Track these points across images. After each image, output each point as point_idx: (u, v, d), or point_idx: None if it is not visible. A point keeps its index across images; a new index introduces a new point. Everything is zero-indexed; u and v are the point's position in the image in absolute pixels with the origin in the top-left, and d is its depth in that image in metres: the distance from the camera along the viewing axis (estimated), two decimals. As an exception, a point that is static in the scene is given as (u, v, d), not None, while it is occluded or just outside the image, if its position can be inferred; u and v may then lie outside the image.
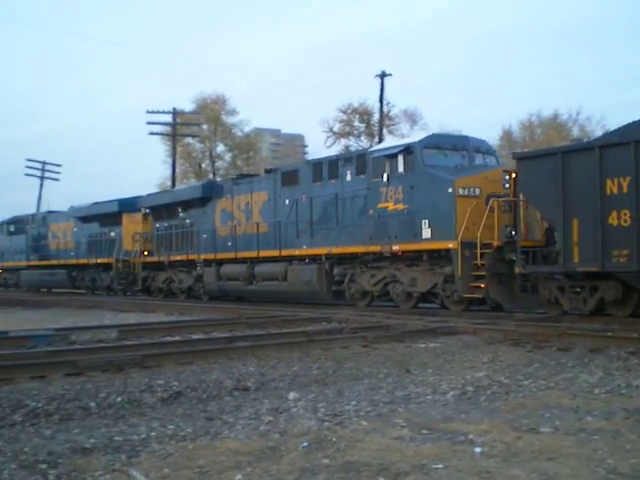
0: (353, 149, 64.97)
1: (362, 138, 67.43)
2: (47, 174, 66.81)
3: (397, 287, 20.35)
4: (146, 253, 31.97)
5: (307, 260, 23.25)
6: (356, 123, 67.00)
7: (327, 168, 22.66)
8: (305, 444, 6.13)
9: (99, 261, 35.61)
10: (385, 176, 20.15)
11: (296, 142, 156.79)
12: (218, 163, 75.27)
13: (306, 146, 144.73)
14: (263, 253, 24.81)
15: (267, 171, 27.06)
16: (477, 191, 18.51)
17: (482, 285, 17.82)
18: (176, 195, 31.76)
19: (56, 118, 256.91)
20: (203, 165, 74.99)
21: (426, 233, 19.02)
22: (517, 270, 16.79)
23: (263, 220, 25.15)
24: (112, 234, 35.00)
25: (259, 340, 12.82)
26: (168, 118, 53.54)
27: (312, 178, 23.12)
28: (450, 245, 18.19)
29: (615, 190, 14.71)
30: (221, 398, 8.42)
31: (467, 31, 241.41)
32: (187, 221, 29.72)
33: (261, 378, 9.38)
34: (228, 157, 76.53)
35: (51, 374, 9.51)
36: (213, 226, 27.96)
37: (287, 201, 23.99)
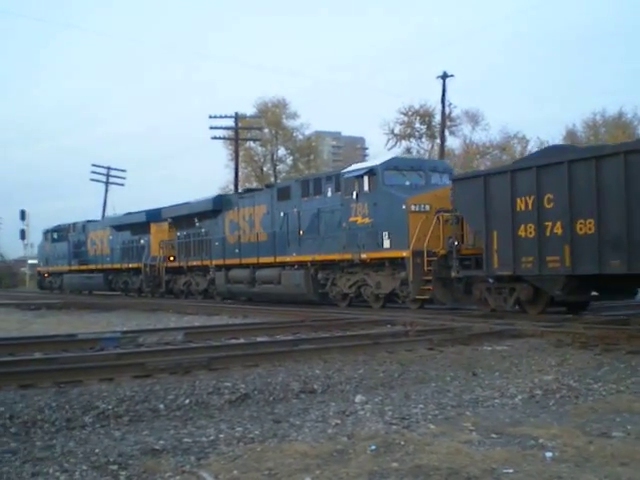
0: (414, 151, 65.03)
1: (423, 140, 67.16)
2: (112, 179, 67.67)
3: (367, 289, 23.47)
4: (172, 259, 35.13)
5: (296, 266, 26.38)
6: (417, 125, 66.73)
7: (313, 186, 25.84)
8: (373, 447, 6.11)
9: (130, 266, 39.26)
10: (354, 194, 23.34)
11: (357, 145, 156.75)
12: (279, 166, 75.65)
13: (367, 148, 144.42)
14: (262, 260, 28.06)
15: (267, 186, 30.66)
16: (427, 207, 21.39)
17: (430, 288, 20.68)
18: (192, 207, 34.28)
19: (121, 124, 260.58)
20: (265, 168, 75.40)
21: (386, 243, 22.17)
22: (453, 274, 19.82)
23: (263, 230, 28.39)
24: (142, 241, 38.65)
25: (324, 343, 12.86)
26: (230, 122, 53.90)
27: (301, 194, 26.21)
28: (404, 254, 21.17)
29: (523, 207, 17.81)
30: (288, 401, 8.45)
31: (530, 30, 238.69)
32: (202, 230, 32.99)
33: (327, 381, 9.37)
34: (289, 160, 76.89)
35: (120, 376, 9.64)
36: (223, 235, 31.17)
37: (282, 213, 27.14)
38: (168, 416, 7.73)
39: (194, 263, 32.93)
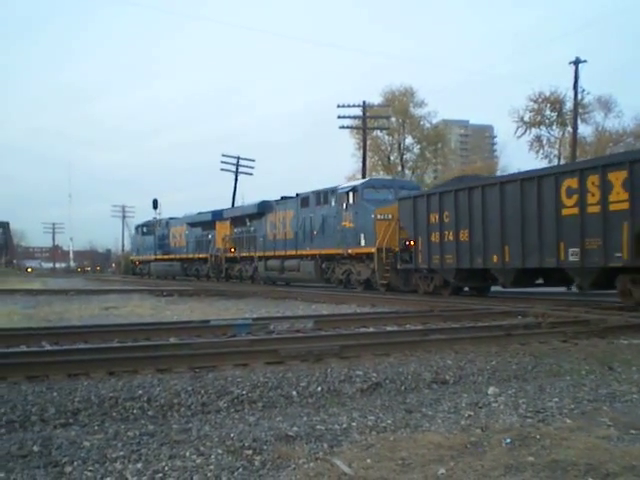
0: (544, 139, 63.73)
1: (554, 127, 65.74)
2: (241, 169, 68.69)
3: (352, 276, 31.38)
4: (232, 250, 43.53)
5: (309, 258, 34.31)
6: (547, 112, 65.41)
7: (322, 197, 33.33)
8: (508, 440, 6.01)
9: (200, 256, 48.39)
10: (344, 205, 31.13)
11: (485, 133, 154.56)
12: (407, 155, 75.39)
13: (495, 137, 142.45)
14: (288, 252, 36.28)
15: (297, 195, 36.35)
16: (390, 216, 28.48)
17: (388, 275, 28.09)
18: (244, 209, 43.81)
19: (250, 114, 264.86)
20: (392, 157, 75.23)
21: (363, 242, 29.78)
22: (398, 266, 27.62)
23: (290, 230, 36.46)
24: (209, 236, 47.47)
25: (455, 333, 12.73)
26: (358, 112, 54.00)
27: (315, 202, 33.99)
28: (372, 250, 28.68)
29: (433, 220, 25.23)
30: (419, 391, 8.40)
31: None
32: (251, 228, 41.74)
33: (459, 372, 9.25)
34: (416, 149, 76.48)
35: (253, 362, 9.75)
36: (265, 233, 39.49)
37: (302, 217, 35.09)
38: (301, 403, 7.80)
39: (244, 254, 41.99)
